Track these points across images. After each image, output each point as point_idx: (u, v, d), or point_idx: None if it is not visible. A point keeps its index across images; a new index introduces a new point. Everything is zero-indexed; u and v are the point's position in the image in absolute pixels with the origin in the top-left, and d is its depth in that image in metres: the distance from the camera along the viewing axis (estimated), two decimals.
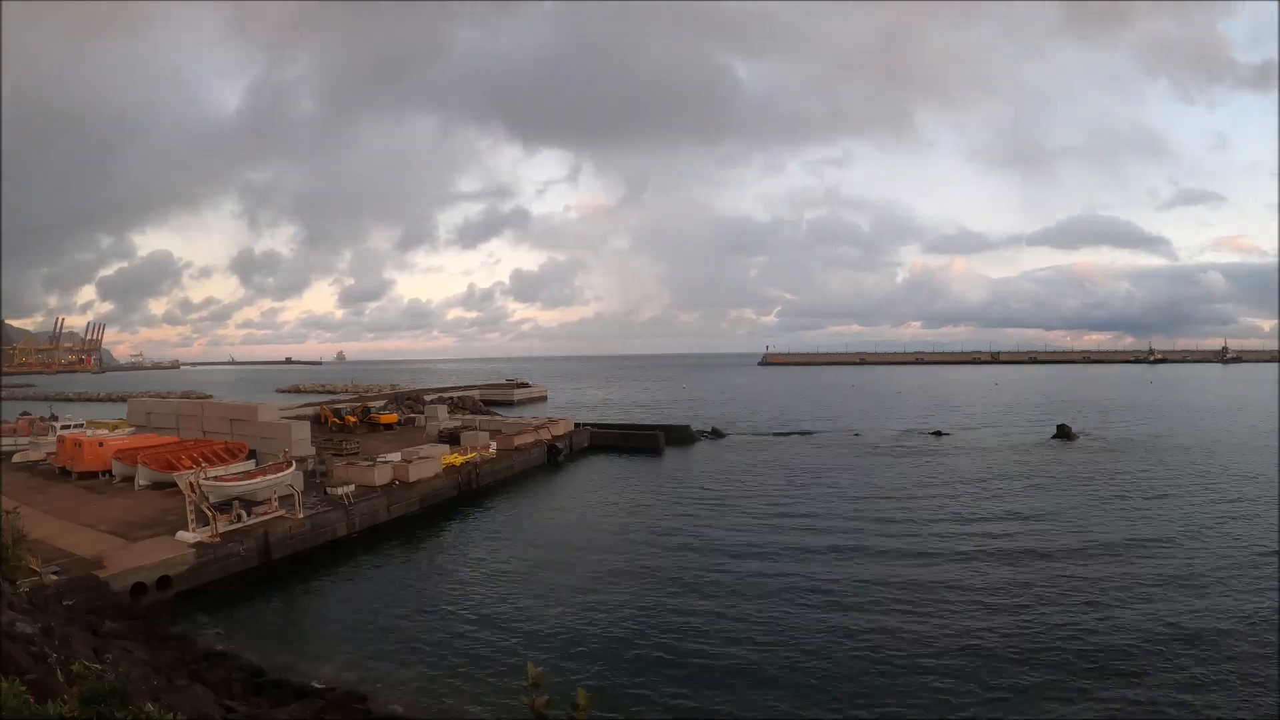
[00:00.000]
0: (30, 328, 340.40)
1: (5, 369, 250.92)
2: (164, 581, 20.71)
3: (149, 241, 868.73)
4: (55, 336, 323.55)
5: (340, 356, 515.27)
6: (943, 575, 22.65)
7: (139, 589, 19.97)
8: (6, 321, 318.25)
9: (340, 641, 18.27)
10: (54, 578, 18.30)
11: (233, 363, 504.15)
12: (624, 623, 19.15)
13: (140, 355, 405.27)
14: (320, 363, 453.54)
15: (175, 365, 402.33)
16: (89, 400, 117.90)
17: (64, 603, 16.45)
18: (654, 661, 16.80)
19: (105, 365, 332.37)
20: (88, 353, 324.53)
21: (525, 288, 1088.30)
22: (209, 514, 23.34)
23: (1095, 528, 28.35)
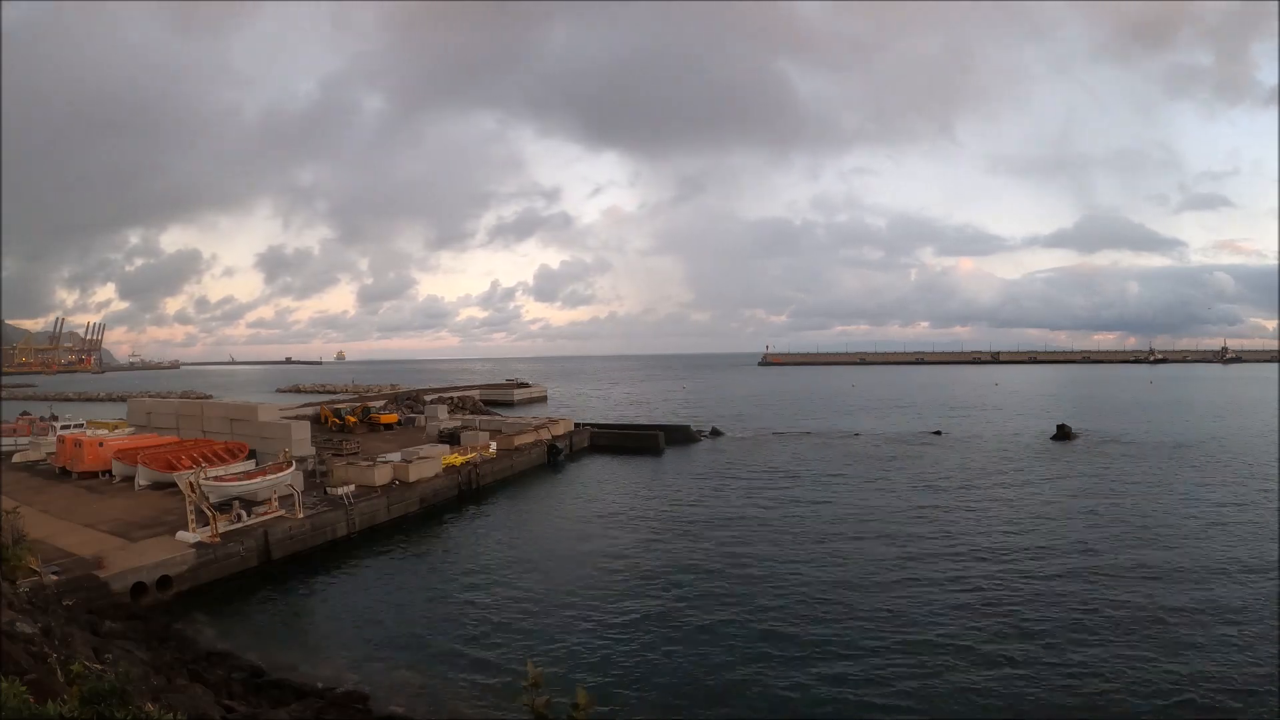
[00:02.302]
0: (39, 327, 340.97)
1: (5, 369, 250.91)
2: (164, 581, 20.71)
3: (178, 239, 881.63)
4: (55, 336, 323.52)
5: (340, 356, 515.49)
6: (943, 576, 22.63)
7: (139, 589, 19.98)
8: (7, 322, 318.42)
9: (340, 641, 18.27)
10: (54, 578, 18.30)
11: (233, 362, 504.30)
12: (624, 622, 19.13)
13: (137, 356, 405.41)
14: (320, 362, 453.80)
15: (176, 365, 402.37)
16: (89, 400, 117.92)
17: (64, 603, 16.45)
18: (654, 661, 16.79)
19: (105, 365, 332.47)
20: (88, 353, 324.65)
21: (548, 287, 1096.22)
22: (209, 514, 23.34)
23: (1095, 527, 28.33)
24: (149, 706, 7.87)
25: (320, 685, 15.03)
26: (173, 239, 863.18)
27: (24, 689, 6.13)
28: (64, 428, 44.33)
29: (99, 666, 10.52)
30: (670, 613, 19.83)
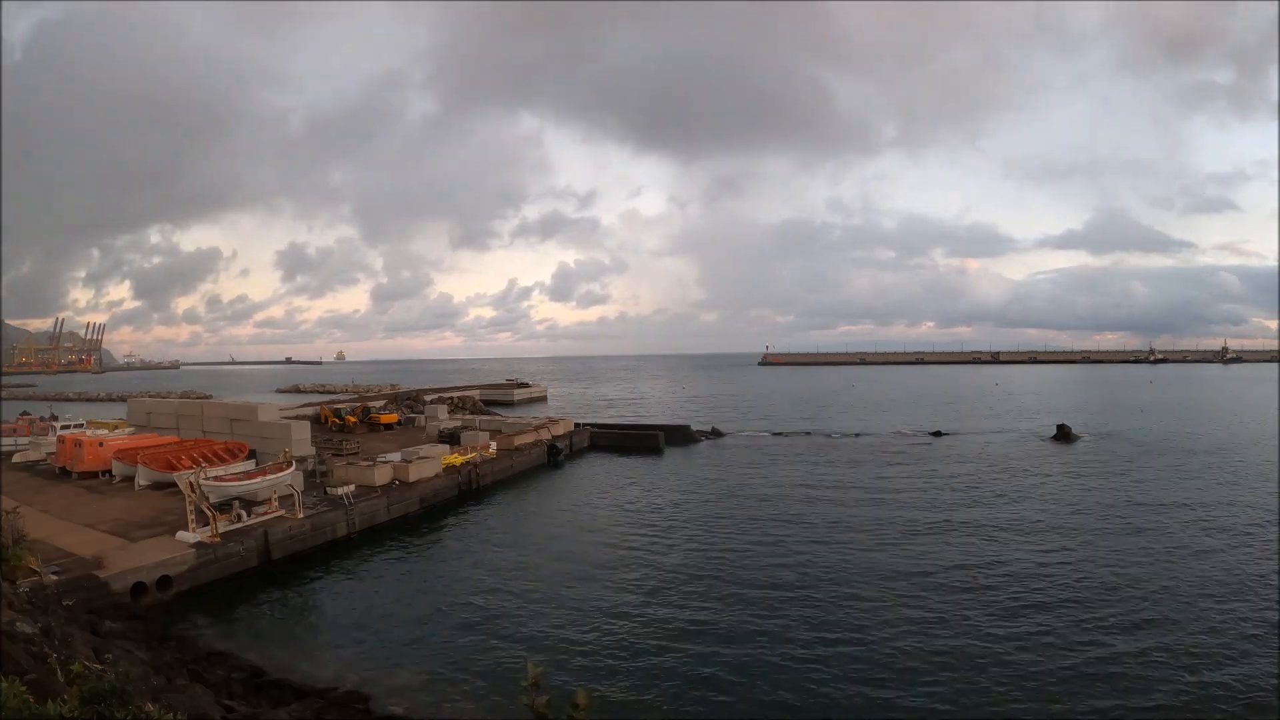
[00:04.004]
0: (46, 326, 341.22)
1: (5, 369, 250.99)
2: (164, 581, 20.71)
3: (201, 238, 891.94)
4: (55, 336, 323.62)
5: (340, 356, 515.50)
6: (943, 577, 22.61)
7: (139, 589, 19.97)
8: (7, 322, 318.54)
9: (340, 641, 18.27)
10: (54, 578, 18.30)
11: (233, 362, 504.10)
12: (624, 622, 19.14)
13: (133, 356, 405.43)
14: (320, 362, 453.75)
15: (176, 365, 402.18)
16: (89, 400, 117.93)
17: (64, 603, 16.45)
18: (654, 661, 16.78)
19: (105, 365, 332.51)
20: (88, 353, 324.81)
21: (564, 287, 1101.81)
22: (209, 514, 23.34)
23: (1095, 527, 28.33)
24: (149, 706, 7.87)
25: (320, 685, 15.03)
26: (195, 237, 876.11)
27: (24, 689, 6.13)
28: (64, 428, 44.33)
29: (99, 666, 10.52)
30: (671, 613, 19.82)
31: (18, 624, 10.88)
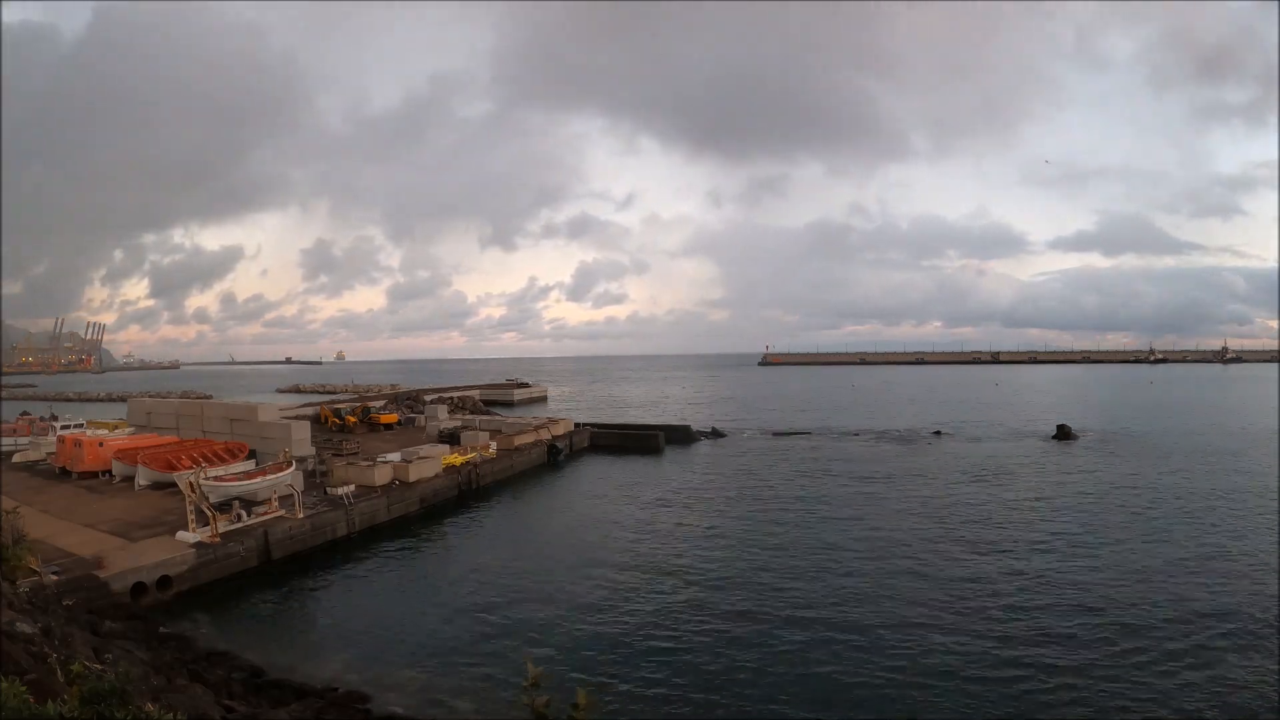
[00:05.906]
0: (50, 327, 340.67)
1: (5, 369, 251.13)
2: (164, 581, 20.71)
3: (224, 237, 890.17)
4: (55, 337, 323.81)
5: (340, 356, 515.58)
6: (942, 577, 22.63)
7: (139, 589, 19.98)
8: (9, 322, 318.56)
9: (340, 641, 18.26)
10: (54, 578, 18.30)
11: (233, 362, 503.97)
12: (624, 623, 19.14)
13: (131, 356, 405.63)
14: (319, 362, 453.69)
15: (175, 365, 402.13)
16: (89, 400, 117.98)
17: (64, 603, 16.45)
18: (654, 662, 16.78)
19: (105, 365, 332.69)
20: (87, 353, 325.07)
21: (582, 286, 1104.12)
22: (209, 514, 23.34)
23: (1094, 526, 28.33)
24: (149, 706, 7.87)
25: (320, 685, 15.03)
26: (221, 235, 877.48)
27: (24, 689, 6.13)
28: (64, 428, 44.34)
29: (99, 666, 10.52)
30: (670, 613, 19.82)
31: (18, 624, 10.88)
